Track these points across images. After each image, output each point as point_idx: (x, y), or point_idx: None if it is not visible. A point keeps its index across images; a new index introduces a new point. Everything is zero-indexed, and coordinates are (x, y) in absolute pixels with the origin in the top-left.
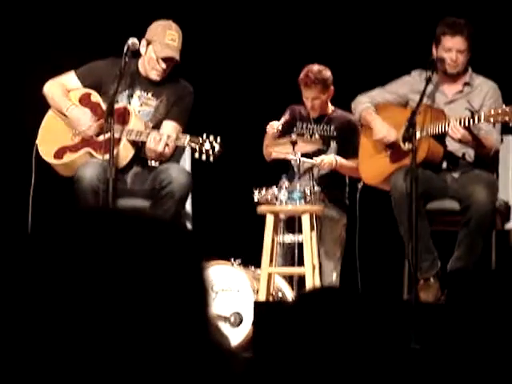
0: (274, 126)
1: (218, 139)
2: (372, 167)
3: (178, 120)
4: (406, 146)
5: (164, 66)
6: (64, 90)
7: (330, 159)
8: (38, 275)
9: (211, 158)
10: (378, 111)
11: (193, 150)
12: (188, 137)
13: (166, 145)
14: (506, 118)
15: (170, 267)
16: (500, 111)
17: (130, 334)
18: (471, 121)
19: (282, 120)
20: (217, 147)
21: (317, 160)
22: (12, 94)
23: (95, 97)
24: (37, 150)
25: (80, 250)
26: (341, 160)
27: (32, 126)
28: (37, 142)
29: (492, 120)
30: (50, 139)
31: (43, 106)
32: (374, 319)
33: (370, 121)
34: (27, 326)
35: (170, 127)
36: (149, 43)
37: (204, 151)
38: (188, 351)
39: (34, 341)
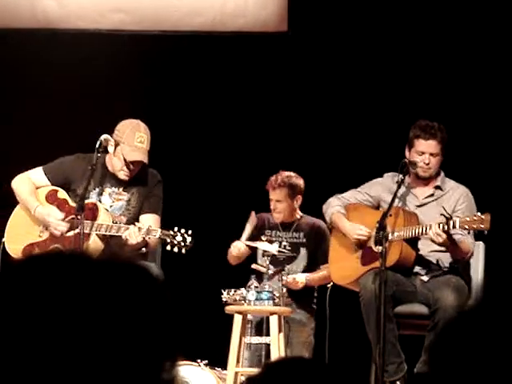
0: (238, 246)
1: (190, 231)
2: (343, 268)
3: (154, 211)
4: (378, 248)
5: (132, 168)
6: (32, 186)
7: (302, 279)
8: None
9: (183, 250)
10: (348, 211)
11: (165, 243)
12: (159, 230)
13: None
14: (482, 226)
15: (138, 310)
16: (475, 218)
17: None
18: (446, 226)
19: (244, 239)
20: (188, 239)
21: (288, 278)
22: None
23: (62, 194)
24: (4, 247)
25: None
26: (309, 276)
27: None
28: (4, 239)
29: (467, 227)
30: (17, 236)
31: (11, 200)
32: None
33: (339, 226)
34: None
35: (149, 220)
36: (117, 144)
37: (176, 243)
38: None
39: None
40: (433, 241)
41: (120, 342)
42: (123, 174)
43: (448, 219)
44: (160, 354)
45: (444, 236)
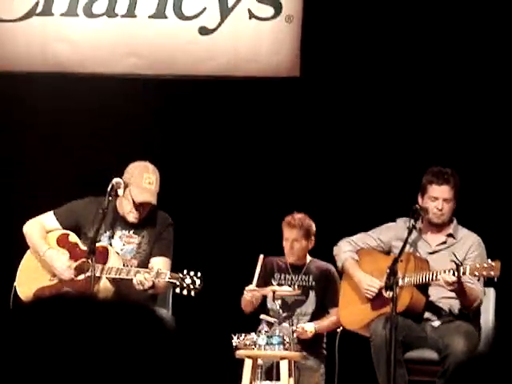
0: (251, 289)
1: (199, 274)
2: (353, 313)
3: (165, 255)
4: (388, 294)
5: (141, 210)
6: (42, 230)
7: (311, 328)
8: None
9: (192, 293)
10: (361, 256)
11: (174, 286)
12: (168, 273)
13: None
14: (492, 273)
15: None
16: (485, 265)
17: None
18: (456, 273)
19: (255, 282)
20: (198, 282)
21: (298, 328)
22: None
23: (73, 237)
24: (15, 291)
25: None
26: (317, 326)
27: (10, 266)
28: (15, 283)
29: (477, 273)
30: (28, 280)
31: (23, 245)
32: None
33: (351, 274)
34: None
35: (159, 263)
36: (126, 186)
37: (185, 285)
38: None
39: None
40: (447, 287)
41: None
42: (132, 217)
43: (458, 266)
44: None
45: (456, 284)
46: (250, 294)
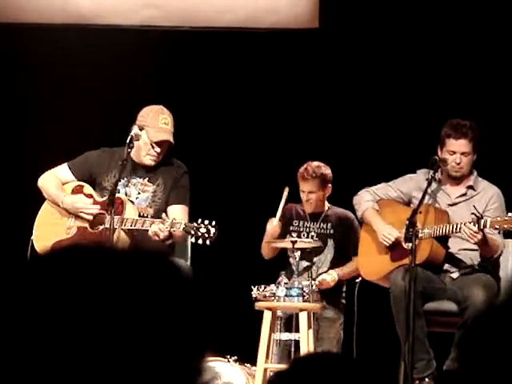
0: (274, 223)
1: (213, 223)
2: (372, 264)
3: (182, 202)
4: (408, 245)
5: (159, 150)
6: (58, 182)
7: (332, 277)
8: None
9: (207, 242)
10: (381, 207)
11: (189, 235)
12: (183, 222)
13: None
14: None
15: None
16: (506, 218)
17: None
18: (476, 226)
19: (278, 214)
20: (212, 230)
21: (318, 278)
22: (7, 188)
23: (88, 189)
24: (32, 245)
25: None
26: (340, 272)
27: (28, 220)
28: (32, 238)
29: (498, 226)
30: (45, 234)
31: (38, 200)
32: None
33: (372, 222)
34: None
35: (177, 211)
36: (141, 129)
37: (200, 234)
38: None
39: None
40: (469, 239)
41: (145, 337)
42: (149, 159)
43: (479, 218)
44: (188, 349)
45: (480, 235)
46: (271, 226)
